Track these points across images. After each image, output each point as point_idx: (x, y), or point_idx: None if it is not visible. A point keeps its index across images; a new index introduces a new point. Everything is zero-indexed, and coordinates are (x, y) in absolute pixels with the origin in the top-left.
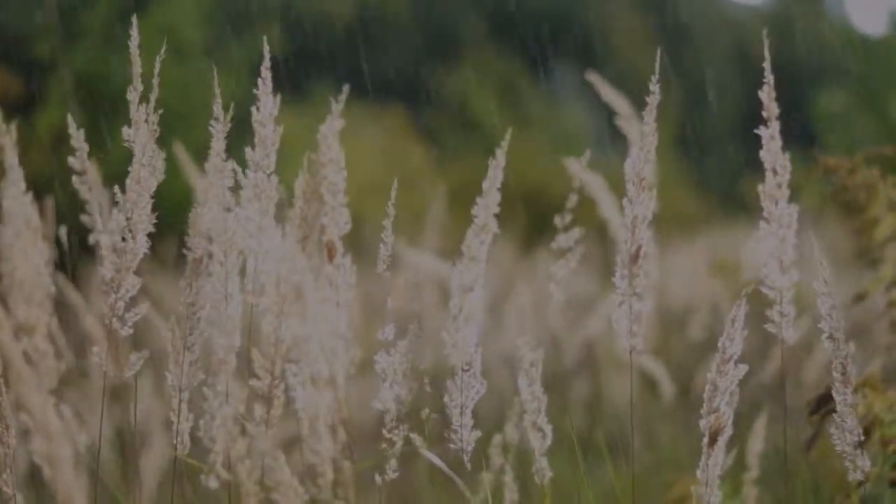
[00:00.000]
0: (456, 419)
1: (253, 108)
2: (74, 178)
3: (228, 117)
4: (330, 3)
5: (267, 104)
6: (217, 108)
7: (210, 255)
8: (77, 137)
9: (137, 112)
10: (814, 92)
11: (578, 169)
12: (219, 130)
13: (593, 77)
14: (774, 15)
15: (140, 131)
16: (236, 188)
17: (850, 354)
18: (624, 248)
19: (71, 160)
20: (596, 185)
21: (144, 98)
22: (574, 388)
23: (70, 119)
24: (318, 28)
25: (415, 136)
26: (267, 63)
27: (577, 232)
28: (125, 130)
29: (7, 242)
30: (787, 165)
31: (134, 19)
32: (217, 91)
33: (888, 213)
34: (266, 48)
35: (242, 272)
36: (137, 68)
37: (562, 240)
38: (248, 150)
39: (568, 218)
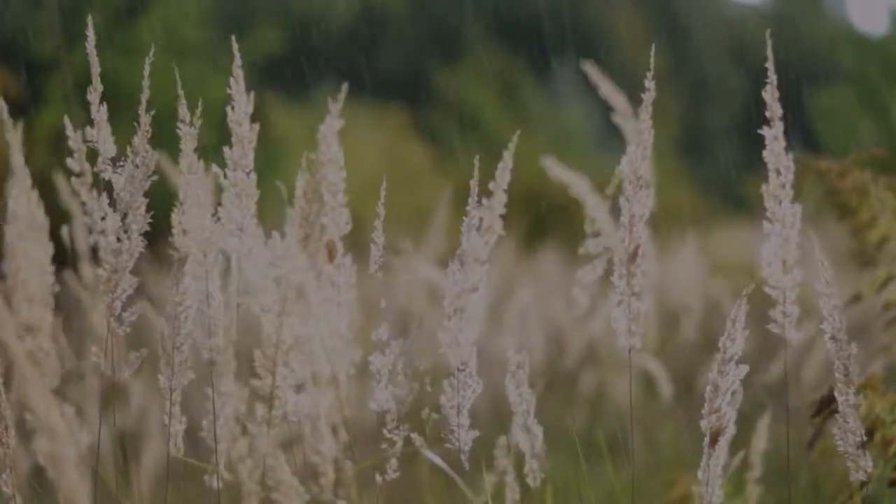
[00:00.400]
0: (453, 419)
1: (228, 108)
2: (73, 180)
3: (197, 116)
4: (331, 2)
5: (241, 103)
6: (182, 111)
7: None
8: (75, 139)
9: (98, 112)
10: (813, 92)
11: (557, 170)
12: (186, 132)
13: (590, 69)
14: (774, 14)
15: (102, 132)
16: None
17: (853, 355)
18: (621, 248)
19: (70, 161)
20: (579, 185)
21: (134, 98)
22: (575, 388)
23: (67, 120)
24: (318, 27)
25: (415, 134)
26: (238, 62)
27: (605, 238)
28: (89, 131)
29: (11, 242)
30: (791, 166)
31: (90, 19)
32: (181, 93)
33: (883, 216)
34: (235, 47)
35: (226, 272)
36: (96, 68)
37: (590, 245)
38: (225, 149)
39: (597, 224)
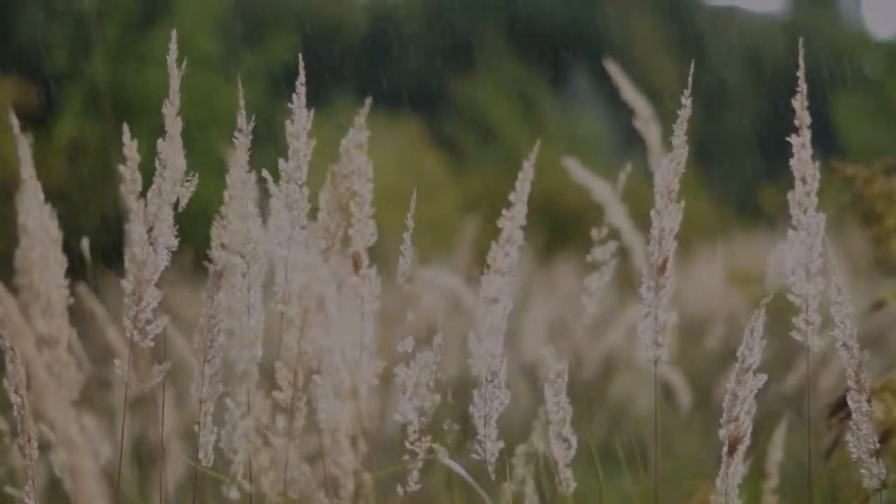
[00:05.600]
0: (480, 430)
1: (287, 122)
2: (122, 188)
3: (250, 129)
4: (345, 12)
5: (301, 118)
6: (241, 120)
7: (232, 268)
8: (130, 146)
9: (173, 125)
10: (831, 98)
11: (581, 174)
12: (241, 143)
13: (613, 68)
14: (791, 23)
15: (175, 146)
16: (265, 197)
17: (865, 362)
18: (650, 260)
19: (122, 168)
20: (604, 191)
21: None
22: (593, 398)
23: (126, 128)
24: (333, 37)
25: (432, 145)
26: (302, 79)
27: (613, 245)
28: (160, 144)
29: (26, 255)
30: (817, 174)
31: (174, 33)
32: (241, 102)
33: None
34: (301, 65)
35: (266, 283)
36: (176, 82)
37: (597, 252)
38: (280, 161)
39: (605, 231)
